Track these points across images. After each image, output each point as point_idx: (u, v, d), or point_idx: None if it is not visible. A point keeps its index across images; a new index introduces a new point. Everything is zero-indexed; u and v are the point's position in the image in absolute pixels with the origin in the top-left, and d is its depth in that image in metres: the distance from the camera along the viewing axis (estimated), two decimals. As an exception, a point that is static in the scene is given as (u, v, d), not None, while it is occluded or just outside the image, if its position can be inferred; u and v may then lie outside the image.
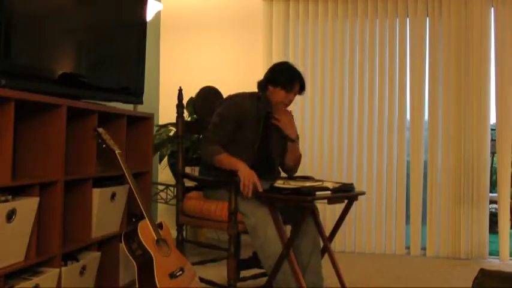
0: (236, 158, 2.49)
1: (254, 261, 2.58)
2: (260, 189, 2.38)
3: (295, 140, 2.68)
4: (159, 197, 3.99)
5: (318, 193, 2.33)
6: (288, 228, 2.55)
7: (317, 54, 4.18)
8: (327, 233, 2.64)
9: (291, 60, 4.12)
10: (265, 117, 2.65)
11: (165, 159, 3.91)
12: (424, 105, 4.05)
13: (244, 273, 2.78)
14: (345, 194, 2.48)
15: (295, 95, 2.63)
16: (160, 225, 2.42)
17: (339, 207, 2.63)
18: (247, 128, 2.59)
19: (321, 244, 2.60)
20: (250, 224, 2.40)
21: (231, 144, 2.57)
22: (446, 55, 4.01)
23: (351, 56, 4.13)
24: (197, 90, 2.89)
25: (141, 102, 3.03)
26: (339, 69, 4.15)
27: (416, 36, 4.06)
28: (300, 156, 2.76)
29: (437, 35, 4.02)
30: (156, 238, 2.30)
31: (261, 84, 2.66)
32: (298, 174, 2.78)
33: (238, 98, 2.66)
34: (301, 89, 2.64)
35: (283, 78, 2.59)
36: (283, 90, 2.58)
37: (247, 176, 2.38)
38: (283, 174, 2.78)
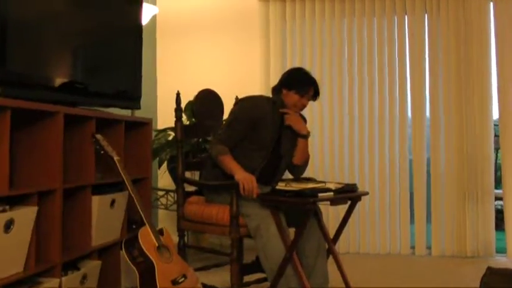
0: (236, 164, 2.47)
1: (257, 265, 2.55)
2: (257, 193, 2.37)
3: (306, 136, 2.66)
4: (159, 202, 3.96)
5: (320, 195, 2.31)
6: (291, 232, 2.52)
7: (315, 54, 4.14)
8: (331, 234, 2.61)
9: (289, 60, 4.14)
10: (280, 121, 2.64)
11: (165, 164, 3.88)
12: (425, 102, 4.02)
13: (247, 278, 2.74)
14: (348, 194, 2.45)
15: (308, 100, 2.65)
16: (161, 232, 2.39)
17: (343, 208, 2.60)
18: (263, 129, 2.58)
19: (326, 246, 2.57)
20: (253, 225, 2.37)
21: (246, 144, 2.57)
22: (446, 51, 3.97)
23: (350, 55, 4.11)
24: (195, 94, 2.86)
25: (139, 107, 3.00)
26: (338, 68, 4.12)
27: (415, 33, 4.03)
28: (308, 157, 2.74)
29: (436, 31, 3.99)
30: (157, 245, 2.28)
31: (276, 88, 2.68)
32: (300, 175, 2.75)
33: (255, 100, 2.66)
34: (315, 94, 2.65)
35: (298, 82, 2.62)
36: (297, 94, 2.60)
37: (246, 180, 2.36)
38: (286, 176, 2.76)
